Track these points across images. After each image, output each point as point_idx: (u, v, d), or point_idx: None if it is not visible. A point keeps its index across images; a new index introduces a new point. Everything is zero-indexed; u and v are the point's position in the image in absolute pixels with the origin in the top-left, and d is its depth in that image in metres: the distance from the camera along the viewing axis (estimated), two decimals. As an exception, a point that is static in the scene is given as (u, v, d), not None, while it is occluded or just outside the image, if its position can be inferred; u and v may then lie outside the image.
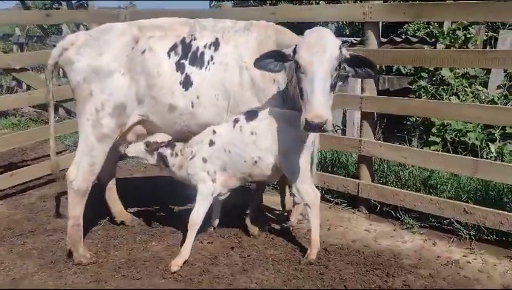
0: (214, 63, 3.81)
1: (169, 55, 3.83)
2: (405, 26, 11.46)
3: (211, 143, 3.75)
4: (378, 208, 4.72)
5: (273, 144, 3.62)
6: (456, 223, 4.17)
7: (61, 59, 3.86)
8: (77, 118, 3.90)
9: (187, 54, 3.84)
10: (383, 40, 7.75)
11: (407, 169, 5.12)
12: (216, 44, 3.86)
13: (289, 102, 3.74)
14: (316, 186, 5.00)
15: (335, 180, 4.93)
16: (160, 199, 4.97)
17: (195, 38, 3.89)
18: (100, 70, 3.75)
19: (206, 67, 3.80)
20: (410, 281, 3.45)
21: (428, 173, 5.03)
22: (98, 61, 3.76)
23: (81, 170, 3.81)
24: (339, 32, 11.41)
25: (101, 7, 7.51)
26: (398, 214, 4.52)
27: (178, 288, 3.41)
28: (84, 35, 4.02)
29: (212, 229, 4.17)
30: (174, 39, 3.88)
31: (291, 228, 4.23)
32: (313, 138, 3.65)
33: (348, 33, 12.76)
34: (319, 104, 3.08)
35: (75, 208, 3.86)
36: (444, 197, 4.43)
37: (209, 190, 3.74)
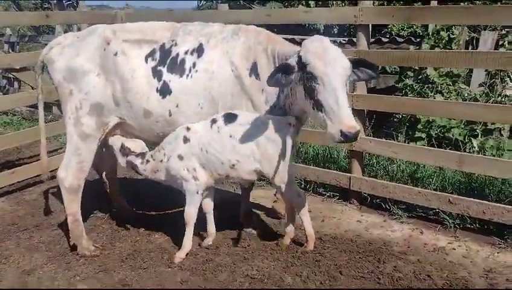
0: (196, 71, 3.71)
1: (146, 60, 3.81)
2: (389, 26, 11.76)
3: (186, 140, 3.68)
4: (369, 200, 4.97)
5: (254, 150, 3.55)
6: (442, 213, 4.43)
7: (45, 58, 4.00)
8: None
9: (165, 60, 3.78)
10: (371, 39, 8.03)
11: (395, 163, 5.38)
12: (200, 50, 3.76)
13: (276, 111, 3.67)
14: (309, 181, 5.32)
15: (327, 174, 5.16)
16: (162, 193, 5.13)
17: (176, 44, 3.83)
18: (76, 70, 3.86)
19: (188, 75, 3.72)
20: (400, 266, 3.70)
21: (415, 167, 5.30)
22: (74, 62, 3.87)
23: (70, 169, 3.95)
24: (328, 32, 11.66)
25: (89, 6, 7.61)
26: (387, 206, 4.78)
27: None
28: (72, 36, 4.15)
29: (208, 243, 4.04)
30: (153, 44, 3.85)
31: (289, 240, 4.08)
32: (293, 141, 3.61)
33: (335, 32, 13.01)
34: (349, 115, 3.07)
35: (71, 206, 4.01)
36: (430, 189, 4.70)
37: (193, 186, 3.71)
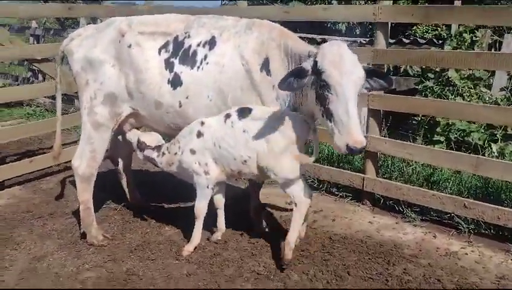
0: (207, 63, 3.71)
1: (159, 52, 3.84)
2: (414, 28, 11.60)
3: (199, 134, 3.68)
4: (382, 201, 4.90)
5: (265, 145, 3.47)
6: (456, 217, 4.34)
7: (66, 48, 4.11)
8: None
9: (178, 52, 3.80)
10: (392, 41, 7.92)
11: (410, 166, 5.30)
12: (212, 42, 3.76)
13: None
14: (321, 180, 5.26)
15: (341, 174, 5.10)
16: (176, 186, 5.12)
17: (189, 36, 3.84)
18: (93, 60, 3.95)
19: (199, 67, 3.73)
20: (410, 269, 3.63)
21: (432, 170, 5.21)
22: (91, 53, 3.97)
23: (83, 157, 4.05)
24: (350, 33, 11.57)
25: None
26: (400, 208, 4.70)
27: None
28: (92, 28, 4.25)
29: (217, 238, 4.04)
30: (167, 36, 3.88)
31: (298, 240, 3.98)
32: (306, 137, 3.55)
33: (357, 33, 12.92)
34: (358, 129, 3.02)
35: (83, 194, 4.10)
36: (446, 193, 4.60)
37: (203, 180, 3.72)
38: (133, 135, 4.01)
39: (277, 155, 3.44)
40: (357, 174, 5.00)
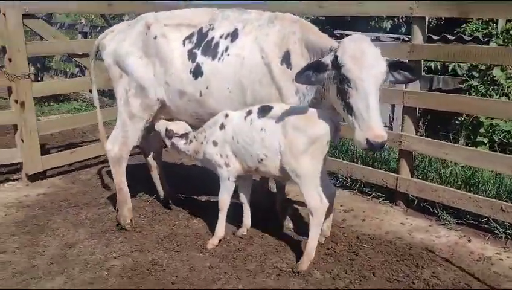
0: (228, 55, 3.74)
1: (184, 43, 3.92)
2: (463, 26, 11.14)
3: (222, 127, 3.71)
4: (416, 203, 4.73)
5: (284, 145, 3.39)
6: (493, 222, 4.13)
7: (100, 43, 4.28)
8: None
9: (201, 43, 3.87)
10: (436, 37, 7.64)
11: (449, 167, 5.09)
12: (234, 35, 3.79)
13: (305, 103, 3.59)
14: (354, 179, 5.15)
15: (374, 173, 4.98)
16: (205, 180, 5.16)
17: (213, 28, 3.89)
18: (121, 54, 4.11)
19: (219, 58, 3.76)
20: (439, 273, 3.49)
21: (471, 172, 4.98)
22: (121, 46, 4.11)
23: (116, 141, 4.26)
24: (395, 31, 11.26)
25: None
26: (435, 210, 4.52)
27: None
28: (125, 24, 4.42)
29: (243, 233, 4.05)
30: (192, 28, 3.96)
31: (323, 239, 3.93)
32: (328, 138, 3.40)
33: (403, 31, 12.56)
34: (379, 123, 2.99)
35: (116, 176, 4.34)
36: (484, 195, 4.38)
37: (225, 172, 3.74)
38: (161, 125, 4.08)
39: (297, 155, 3.35)
40: (391, 173, 4.87)
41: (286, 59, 3.59)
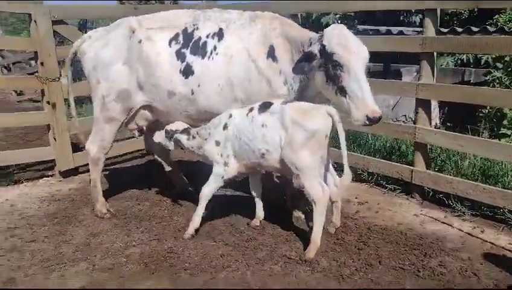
0: (217, 54, 3.92)
1: (170, 44, 4.07)
2: (495, 17, 10.87)
3: (225, 127, 3.84)
4: (431, 195, 4.74)
5: (284, 139, 3.52)
6: (508, 213, 4.10)
7: (79, 49, 4.44)
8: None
9: (188, 43, 4.03)
10: (459, 29, 7.54)
11: (467, 158, 5.05)
12: (220, 34, 3.97)
13: (292, 93, 3.78)
14: (371, 173, 5.20)
15: (389, 166, 5.02)
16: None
17: (197, 28, 4.06)
18: (104, 60, 4.25)
19: (209, 57, 3.94)
20: (447, 262, 3.52)
21: (490, 164, 4.93)
22: (102, 52, 4.27)
23: (95, 144, 4.51)
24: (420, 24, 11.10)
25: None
26: (450, 202, 4.52)
27: None
28: (102, 29, 4.56)
29: (256, 225, 4.18)
30: (176, 29, 4.11)
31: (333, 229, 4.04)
32: (327, 131, 3.51)
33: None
34: (372, 99, 3.28)
35: (93, 173, 4.62)
36: (499, 186, 4.35)
37: (220, 172, 3.88)
38: (158, 134, 4.24)
39: (296, 149, 3.47)
40: (406, 166, 4.89)
41: (271, 54, 3.80)
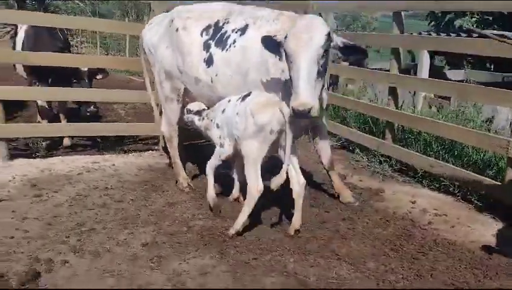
0: (235, 46, 4.21)
1: (201, 35, 4.46)
2: None
3: (223, 111, 4.10)
4: (522, 217, 4.27)
5: (242, 128, 3.73)
6: None
7: (141, 35, 5.15)
8: None
9: (215, 35, 4.37)
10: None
11: None
12: (244, 29, 4.22)
13: (287, 90, 3.75)
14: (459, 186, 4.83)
15: (478, 182, 4.61)
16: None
17: (228, 22, 4.37)
18: (153, 44, 4.89)
19: (227, 50, 4.24)
20: (507, 286, 3.19)
21: None
22: (152, 37, 4.91)
23: (165, 125, 5.14)
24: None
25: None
26: (541, 228, 4.03)
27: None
28: (161, 16, 5.12)
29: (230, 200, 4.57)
30: (209, 21, 4.47)
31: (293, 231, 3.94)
32: (275, 127, 3.59)
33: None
34: (304, 92, 3.26)
35: (170, 150, 5.20)
36: None
37: (219, 151, 4.19)
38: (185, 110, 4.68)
39: (245, 138, 3.69)
40: (496, 183, 4.45)
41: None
